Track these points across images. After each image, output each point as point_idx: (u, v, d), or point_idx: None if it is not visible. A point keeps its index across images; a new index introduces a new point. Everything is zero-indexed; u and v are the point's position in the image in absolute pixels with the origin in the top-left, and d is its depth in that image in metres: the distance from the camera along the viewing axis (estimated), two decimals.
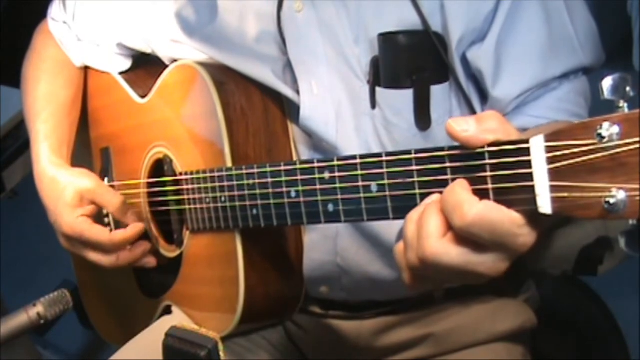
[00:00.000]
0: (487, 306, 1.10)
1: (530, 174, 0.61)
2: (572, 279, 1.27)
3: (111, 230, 1.13)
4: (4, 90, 1.72)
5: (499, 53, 0.93)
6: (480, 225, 0.62)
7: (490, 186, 0.64)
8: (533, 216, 0.62)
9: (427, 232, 0.65)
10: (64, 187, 1.12)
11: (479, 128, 0.64)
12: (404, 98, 0.95)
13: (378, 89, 0.96)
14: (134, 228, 1.10)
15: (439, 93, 0.95)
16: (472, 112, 0.96)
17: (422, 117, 0.96)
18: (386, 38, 0.94)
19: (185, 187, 1.05)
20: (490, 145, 0.64)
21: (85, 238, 1.09)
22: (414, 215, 0.68)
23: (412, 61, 0.94)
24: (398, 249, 0.70)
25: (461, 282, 0.70)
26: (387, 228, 1.00)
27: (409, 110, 0.95)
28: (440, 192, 0.67)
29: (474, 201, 0.63)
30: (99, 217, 1.16)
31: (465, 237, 0.64)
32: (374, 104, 0.97)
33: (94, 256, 1.11)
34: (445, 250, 0.65)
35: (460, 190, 0.64)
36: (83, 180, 1.12)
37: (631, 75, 0.59)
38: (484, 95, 0.98)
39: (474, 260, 0.65)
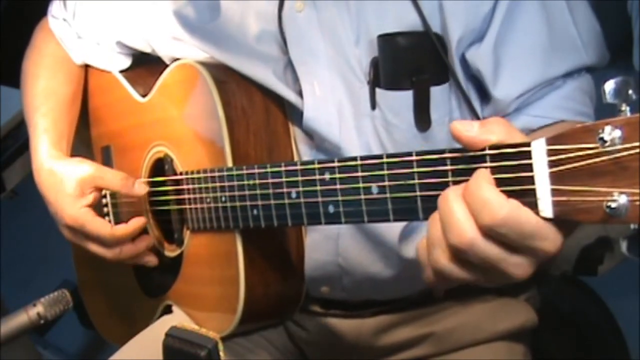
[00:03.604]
0: (487, 305, 1.10)
1: (532, 177, 0.61)
2: (572, 279, 1.27)
3: (110, 223, 1.12)
4: (4, 90, 1.72)
5: (498, 53, 0.93)
6: (510, 225, 0.61)
7: None
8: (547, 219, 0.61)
9: (457, 219, 0.63)
10: (62, 177, 1.11)
11: (481, 130, 0.64)
12: (404, 99, 0.95)
13: (378, 90, 0.96)
14: (136, 222, 1.10)
15: (439, 94, 0.95)
16: (472, 112, 0.96)
17: (422, 118, 0.95)
18: (385, 39, 0.94)
19: (185, 186, 1.05)
20: (491, 147, 0.64)
21: (87, 230, 1.09)
22: (437, 215, 0.66)
23: (412, 62, 0.94)
24: (421, 245, 0.68)
25: (485, 282, 0.67)
26: (389, 228, 1.00)
27: (408, 111, 0.95)
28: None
29: (503, 200, 0.62)
30: (99, 209, 1.16)
31: (493, 235, 0.62)
32: (373, 105, 0.97)
33: (96, 248, 1.11)
34: (481, 236, 0.62)
35: (487, 187, 0.62)
36: (81, 168, 1.11)
37: (633, 79, 0.59)
38: (483, 96, 0.97)
39: (506, 257, 0.63)
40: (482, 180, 0.63)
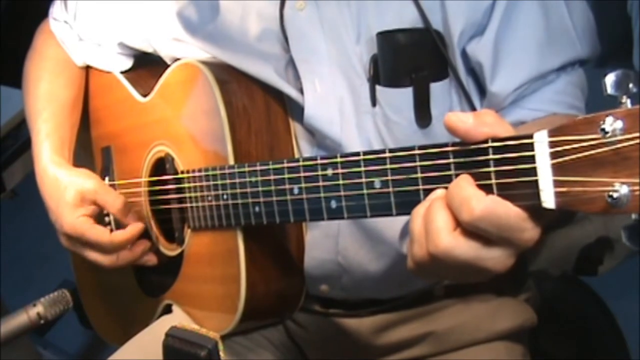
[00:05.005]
0: (487, 305, 1.11)
1: (534, 169, 0.62)
2: (572, 279, 1.27)
3: (111, 231, 1.13)
4: (4, 90, 1.72)
5: (498, 46, 0.94)
6: (488, 219, 0.63)
7: (493, 181, 0.64)
8: (537, 210, 0.63)
9: (436, 227, 0.66)
10: (65, 186, 1.12)
11: (476, 121, 0.65)
12: (404, 96, 0.95)
13: (378, 87, 0.97)
14: (134, 228, 1.10)
15: (439, 90, 0.96)
16: (472, 107, 0.96)
17: (422, 115, 0.96)
18: (385, 37, 0.95)
19: (186, 185, 1.05)
20: (493, 140, 0.64)
21: (86, 238, 1.09)
22: (420, 209, 0.68)
23: (411, 60, 0.95)
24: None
25: (464, 279, 0.70)
26: (389, 227, 1.00)
27: (408, 108, 0.96)
28: (445, 188, 0.67)
29: (481, 196, 0.64)
30: (99, 216, 1.16)
31: (473, 231, 0.64)
32: (374, 102, 0.97)
33: (94, 256, 1.11)
34: (457, 243, 0.65)
35: (466, 185, 0.65)
36: (84, 181, 1.12)
37: (633, 72, 0.60)
38: (483, 91, 0.98)
39: (483, 255, 0.65)
40: (461, 180, 0.65)
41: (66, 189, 1.11)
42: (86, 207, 1.11)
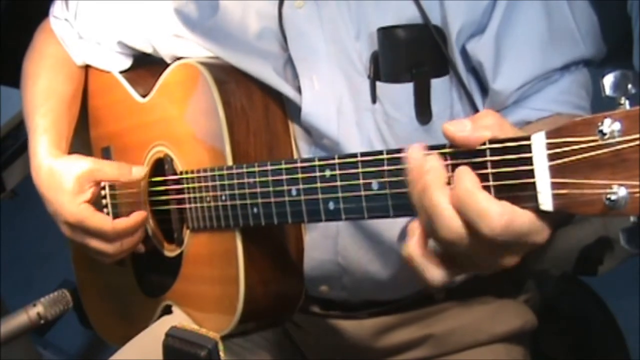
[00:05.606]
0: (487, 307, 1.10)
1: (532, 171, 0.61)
2: (572, 279, 1.26)
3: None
4: (4, 90, 1.72)
5: (499, 45, 0.93)
6: (509, 232, 0.62)
7: (491, 183, 0.64)
8: (545, 212, 0.62)
9: (445, 216, 0.65)
10: (61, 175, 1.11)
11: (474, 126, 0.65)
12: (404, 92, 0.95)
13: (378, 84, 0.96)
14: (137, 216, 1.10)
15: (439, 86, 0.95)
16: (473, 105, 0.96)
17: (423, 111, 0.96)
18: (385, 32, 0.94)
19: (185, 185, 1.05)
20: (491, 142, 0.64)
21: (87, 226, 1.09)
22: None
23: (412, 55, 0.94)
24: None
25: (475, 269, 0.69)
26: (389, 227, 1.00)
27: (409, 105, 0.96)
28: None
29: (498, 207, 0.62)
30: (98, 205, 1.16)
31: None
32: (374, 99, 0.97)
33: (96, 244, 1.10)
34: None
35: (481, 196, 0.63)
36: (79, 164, 1.12)
37: (632, 73, 0.60)
38: (484, 89, 0.97)
39: (497, 257, 0.66)
40: (474, 188, 0.63)
41: (62, 177, 1.10)
42: (86, 193, 1.10)
